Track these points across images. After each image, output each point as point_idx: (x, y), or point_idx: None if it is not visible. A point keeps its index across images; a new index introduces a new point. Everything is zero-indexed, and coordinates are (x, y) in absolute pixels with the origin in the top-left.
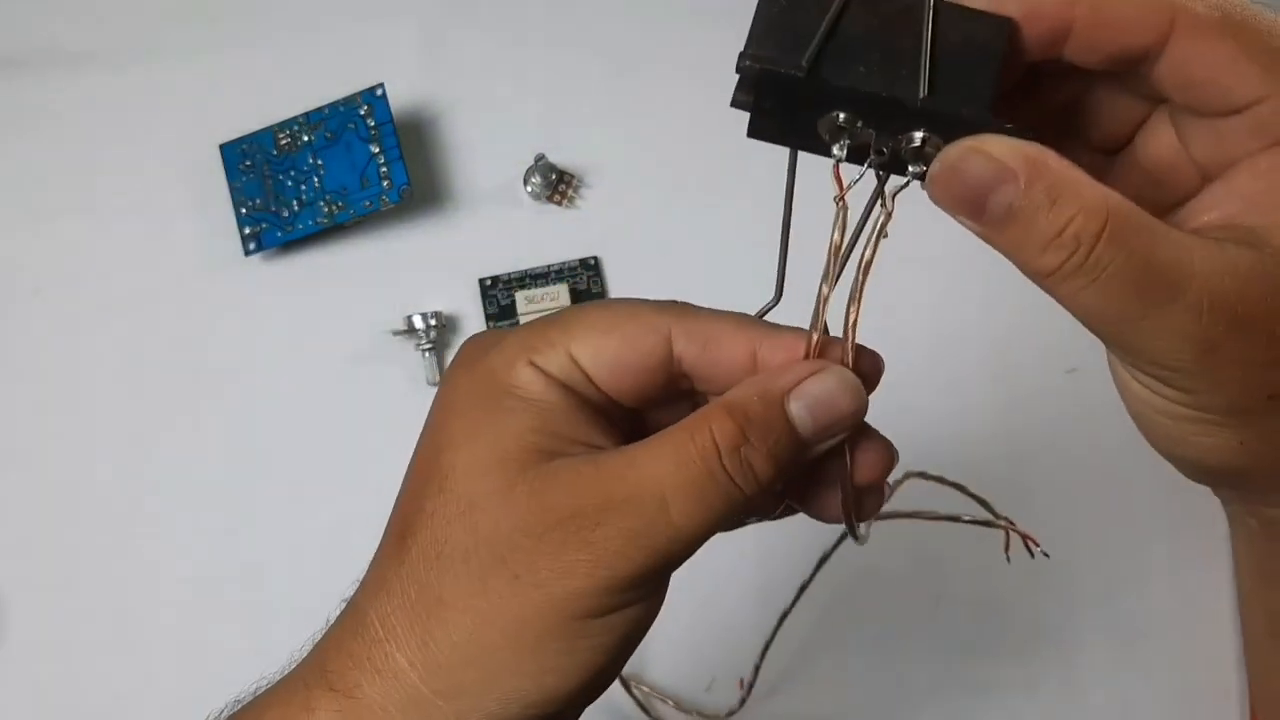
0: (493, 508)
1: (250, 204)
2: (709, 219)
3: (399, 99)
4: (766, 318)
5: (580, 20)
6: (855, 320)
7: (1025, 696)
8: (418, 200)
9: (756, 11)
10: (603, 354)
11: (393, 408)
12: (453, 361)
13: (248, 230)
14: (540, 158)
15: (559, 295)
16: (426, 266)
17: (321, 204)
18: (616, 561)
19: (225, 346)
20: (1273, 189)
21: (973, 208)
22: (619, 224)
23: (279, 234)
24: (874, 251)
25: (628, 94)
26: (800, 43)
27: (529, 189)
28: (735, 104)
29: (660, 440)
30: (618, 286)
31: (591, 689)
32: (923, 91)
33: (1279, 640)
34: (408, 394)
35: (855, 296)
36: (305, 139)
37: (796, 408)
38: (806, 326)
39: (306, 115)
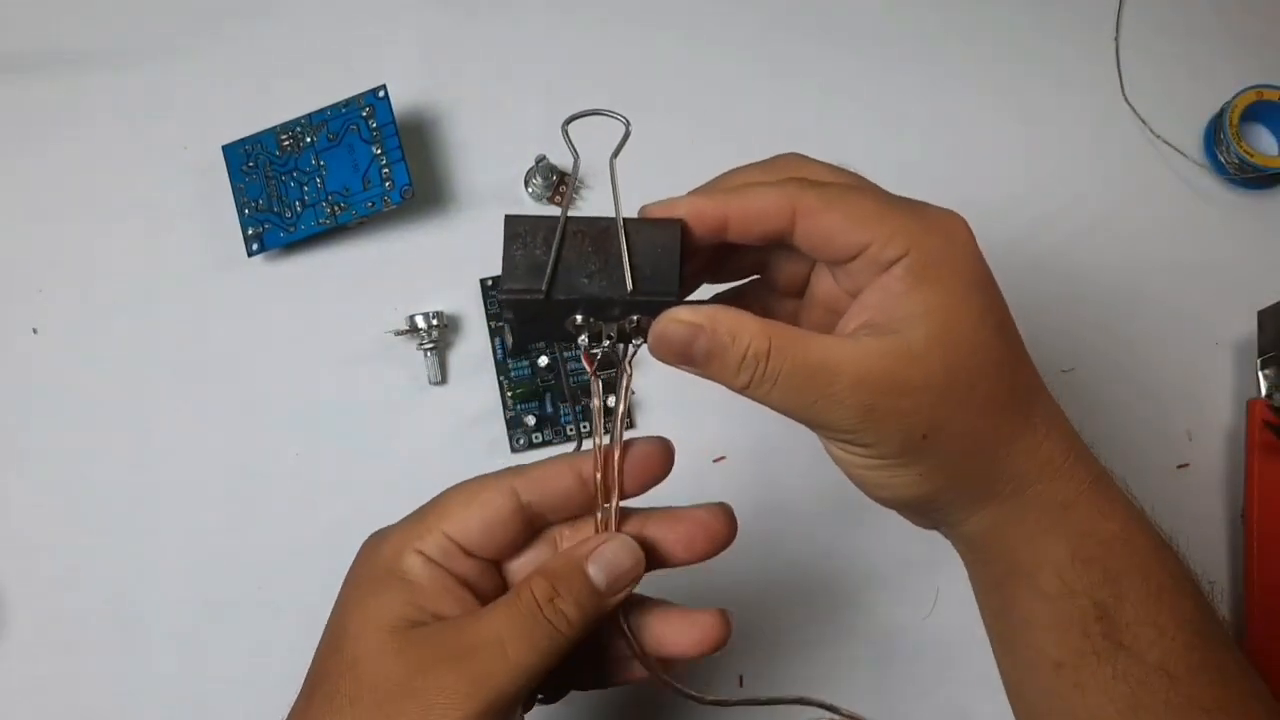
0: (371, 665)
1: (253, 205)
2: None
3: (401, 100)
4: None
5: (581, 21)
6: (622, 463)
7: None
8: (420, 201)
9: (503, 257)
10: (470, 523)
11: (394, 407)
12: (358, 553)
13: (250, 231)
14: (541, 159)
15: None
16: (428, 267)
17: (324, 205)
18: (468, 701)
19: (227, 347)
20: (885, 300)
21: (682, 358)
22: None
23: (281, 235)
24: (625, 404)
25: (629, 95)
26: (538, 274)
27: (530, 190)
28: (502, 322)
29: (496, 603)
30: None
31: None
32: (629, 288)
33: (1006, 649)
34: (410, 394)
35: (617, 440)
36: (308, 140)
37: (593, 570)
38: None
39: (309, 116)
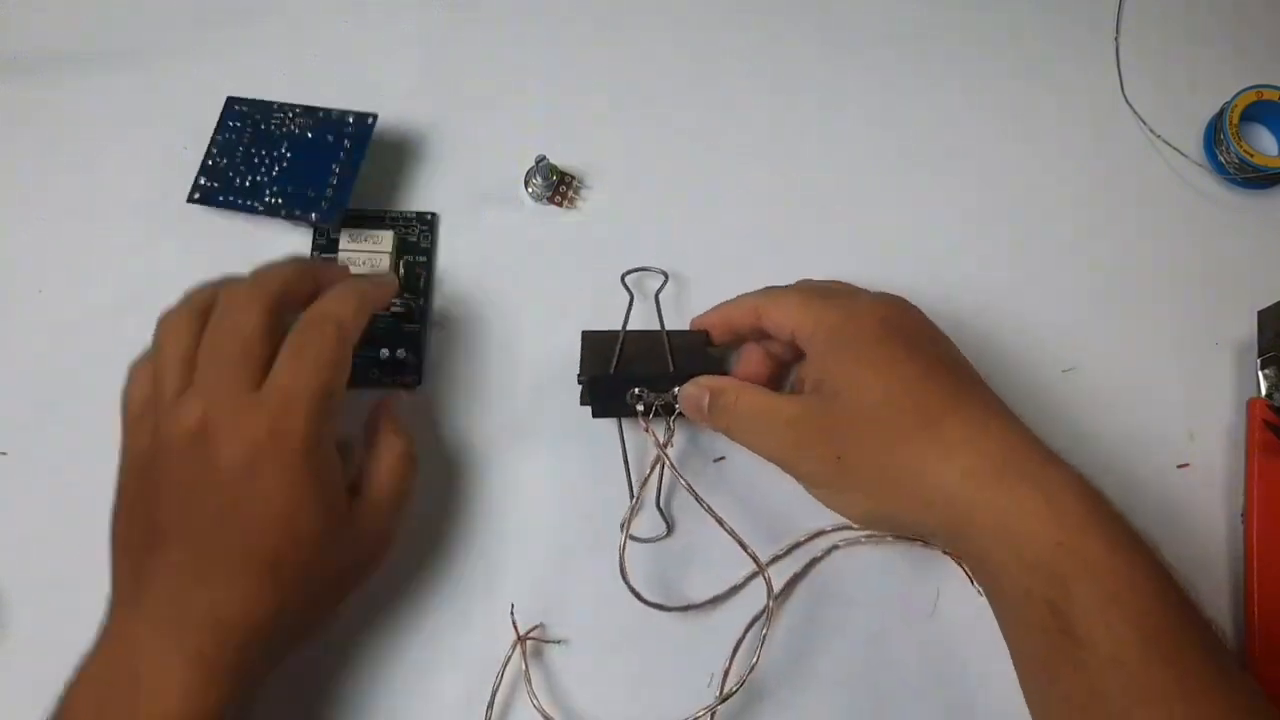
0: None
1: (217, 160)
2: (709, 219)
3: (400, 100)
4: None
5: (581, 21)
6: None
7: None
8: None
9: (581, 352)
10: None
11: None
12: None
13: (202, 180)
14: (541, 159)
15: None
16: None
17: (268, 191)
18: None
19: None
20: (811, 365)
21: (698, 414)
22: (620, 225)
23: (220, 198)
24: (667, 463)
25: (629, 95)
26: (607, 361)
27: (530, 190)
28: (583, 402)
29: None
30: (618, 285)
31: None
32: (671, 369)
33: (1012, 658)
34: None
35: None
36: (293, 129)
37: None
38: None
39: (306, 108)
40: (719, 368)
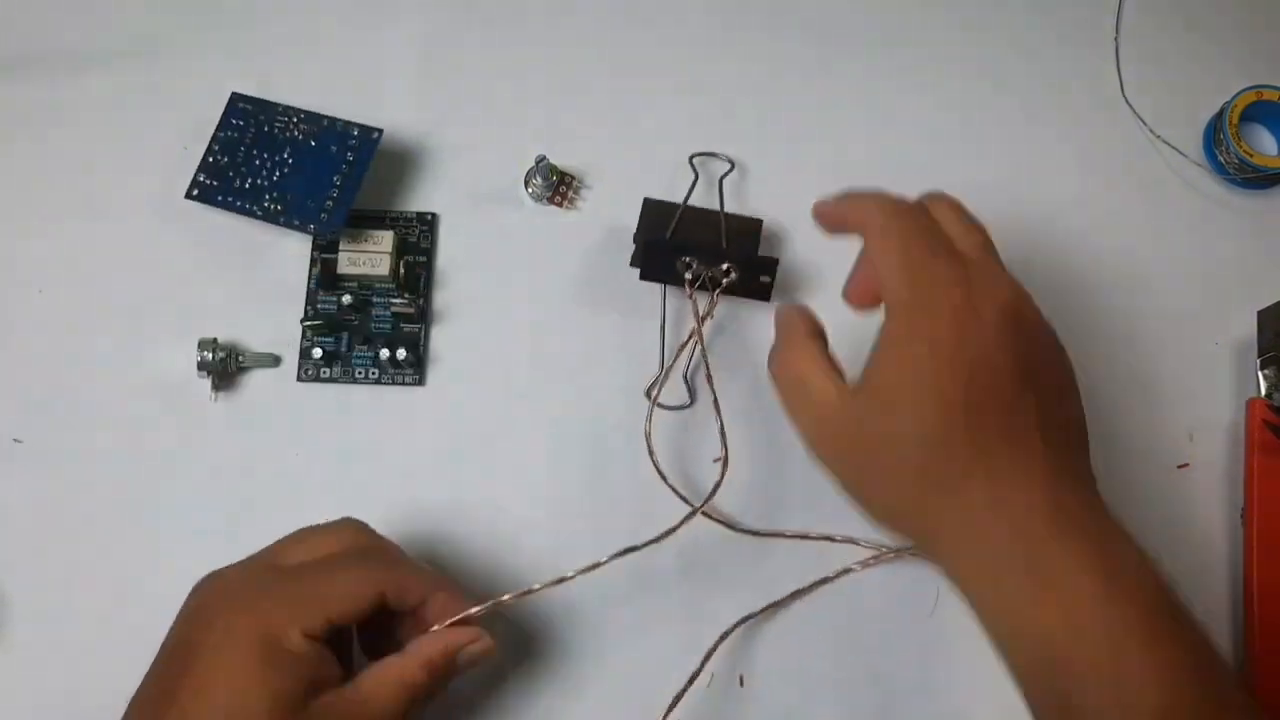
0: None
1: (218, 157)
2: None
3: (400, 101)
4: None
5: (582, 21)
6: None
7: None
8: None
9: (641, 216)
10: (348, 614)
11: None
12: (203, 602)
13: (202, 177)
14: (541, 159)
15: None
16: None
17: (267, 196)
18: None
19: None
20: (890, 358)
21: (778, 326)
22: (620, 225)
23: (219, 197)
24: (699, 338)
25: (629, 95)
26: (664, 228)
27: (530, 191)
28: (634, 263)
29: (379, 674)
30: (618, 286)
31: None
32: (724, 244)
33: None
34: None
35: None
36: (296, 134)
37: (463, 660)
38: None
39: (311, 113)
40: (771, 259)
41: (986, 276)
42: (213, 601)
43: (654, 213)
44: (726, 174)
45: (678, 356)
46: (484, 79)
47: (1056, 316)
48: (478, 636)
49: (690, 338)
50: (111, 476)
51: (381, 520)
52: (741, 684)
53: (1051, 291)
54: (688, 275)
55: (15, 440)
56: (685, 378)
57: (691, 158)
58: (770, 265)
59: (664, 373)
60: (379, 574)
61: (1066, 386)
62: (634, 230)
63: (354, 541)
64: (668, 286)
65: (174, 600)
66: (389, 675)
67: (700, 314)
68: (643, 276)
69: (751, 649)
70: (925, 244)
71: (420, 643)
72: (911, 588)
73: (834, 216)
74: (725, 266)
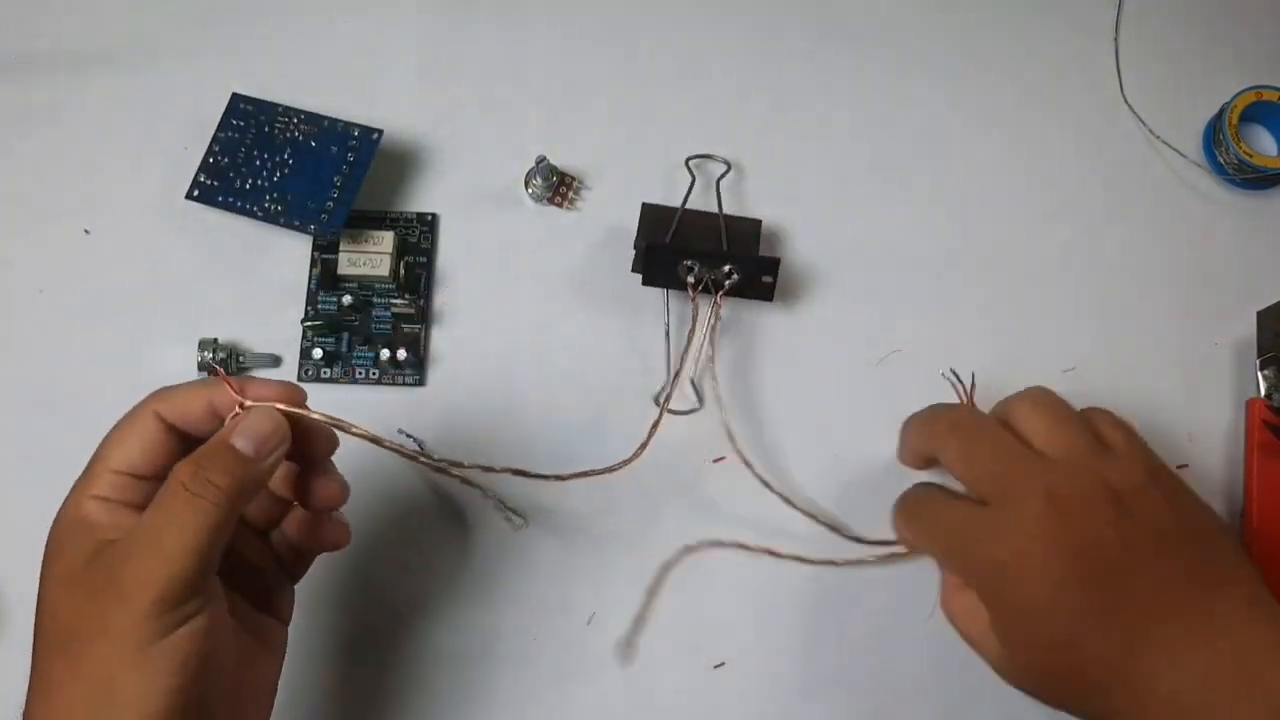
0: (51, 619)
1: (219, 158)
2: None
3: (400, 101)
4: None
5: (582, 22)
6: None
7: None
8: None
9: (640, 221)
10: (129, 452)
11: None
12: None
13: (202, 177)
14: (541, 159)
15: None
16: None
17: (268, 197)
18: (135, 597)
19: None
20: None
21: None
22: (620, 225)
23: (219, 198)
24: (712, 340)
25: (629, 95)
26: (664, 232)
27: (530, 190)
28: (635, 268)
29: (153, 502)
30: (618, 286)
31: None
32: (725, 247)
33: None
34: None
35: None
36: (296, 134)
37: (239, 441)
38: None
39: (310, 114)
40: (772, 258)
41: (1074, 466)
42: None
43: (653, 217)
44: (724, 175)
45: (683, 362)
46: (484, 79)
47: (1055, 315)
48: (250, 413)
49: (690, 340)
50: None
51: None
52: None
53: (1051, 291)
54: (690, 278)
55: (16, 439)
56: (693, 382)
57: (688, 160)
58: (772, 265)
59: (672, 378)
60: (151, 404)
61: (1206, 533)
62: (633, 234)
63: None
64: (670, 290)
65: None
66: (158, 496)
67: (705, 317)
68: (645, 282)
69: (751, 650)
70: (989, 451)
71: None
72: (911, 588)
73: (911, 455)
74: (727, 268)
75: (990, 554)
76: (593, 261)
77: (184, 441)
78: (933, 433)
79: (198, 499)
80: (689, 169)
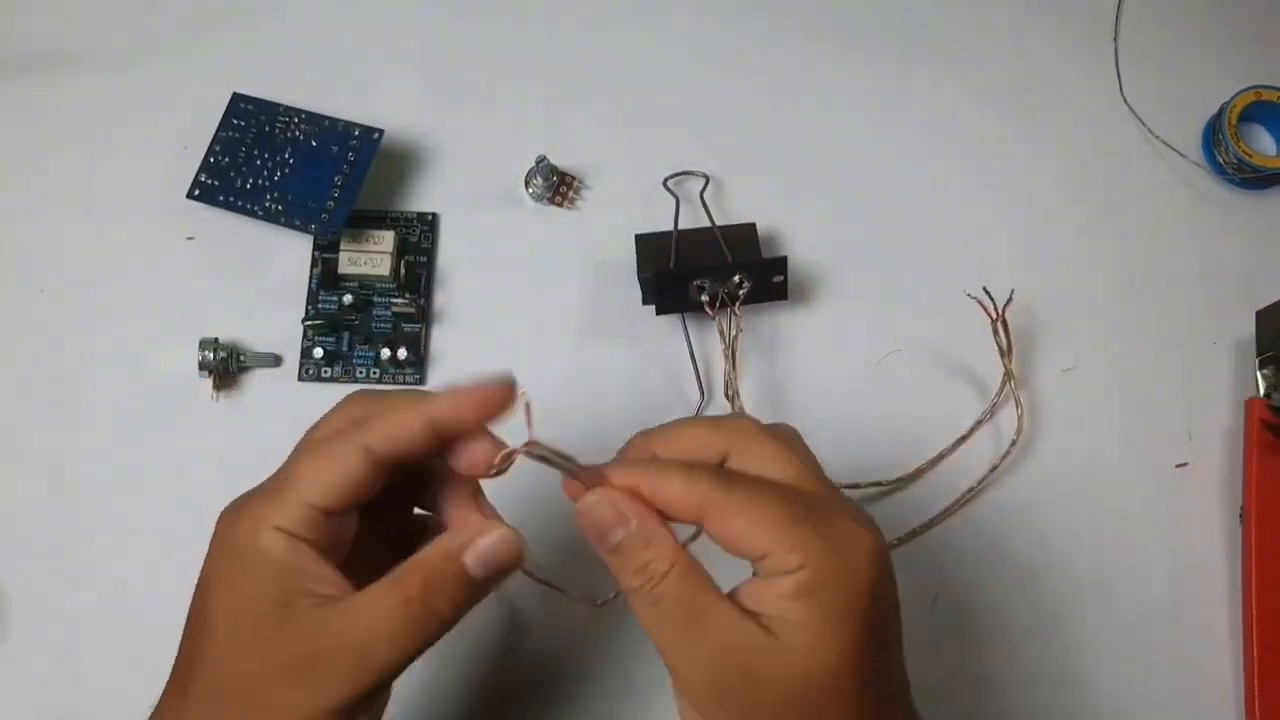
0: (232, 663)
1: (219, 157)
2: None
3: (399, 102)
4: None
5: (582, 22)
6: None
7: (1025, 690)
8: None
9: (637, 253)
10: (326, 488)
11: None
12: (214, 531)
13: (203, 176)
14: (541, 159)
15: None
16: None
17: (269, 197)
18: (335, 692)
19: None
20: (776, 601)
21: (597, 538)
22: (620, 226)
23: (220, 197)
24: (735, 353)
25: (629, 95)
26: (664, 258)
27: (530, 191)
28: (646, 300)
29: (370, 594)
30: (619, 286)
31: None
32: (729, 258)
33: None
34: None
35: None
36: (296, 134)
37: (470, 563)
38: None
39: (311, 114)
40: (779, 257)
41: (849, 517)
42: (220, 517)
43: (648, 247)
44: (704, 189)
45: (712, 383)
46: (484, 79)
47: (1055, 315)
48: (488, 529)
49: (728, 359)
50: (111, 476)
51: None
52: None
53: (1050, 290)
54: (704, 297)
55: (16, 439)
56: (728, 396)
57: (666, 181)
58: (780, 264)
59: (705, 402)
60: (360, 437)
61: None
62: (633, 234)
63: (347, 415)
64: (685, 314)
65: (174, 599)
66: (376, 593)
67: (729, 333)
68: (659, 311)
69: None
70: (781, 498)
71: (428, 549)
72: (911, 587)
73: (631, 488)
74: (737, 278)
75: None
76: (593, 261)
77: (387, 472)
78: (703, 484)
79: (422, 622)
80: (669, 190)
